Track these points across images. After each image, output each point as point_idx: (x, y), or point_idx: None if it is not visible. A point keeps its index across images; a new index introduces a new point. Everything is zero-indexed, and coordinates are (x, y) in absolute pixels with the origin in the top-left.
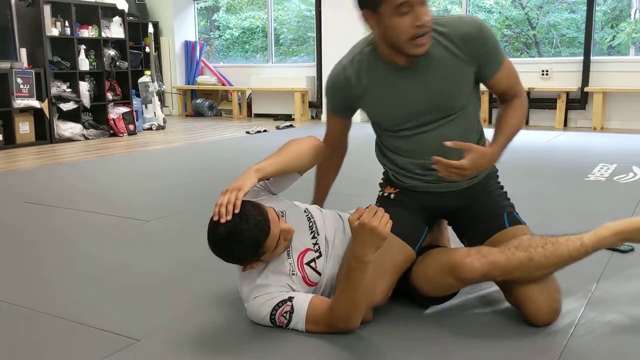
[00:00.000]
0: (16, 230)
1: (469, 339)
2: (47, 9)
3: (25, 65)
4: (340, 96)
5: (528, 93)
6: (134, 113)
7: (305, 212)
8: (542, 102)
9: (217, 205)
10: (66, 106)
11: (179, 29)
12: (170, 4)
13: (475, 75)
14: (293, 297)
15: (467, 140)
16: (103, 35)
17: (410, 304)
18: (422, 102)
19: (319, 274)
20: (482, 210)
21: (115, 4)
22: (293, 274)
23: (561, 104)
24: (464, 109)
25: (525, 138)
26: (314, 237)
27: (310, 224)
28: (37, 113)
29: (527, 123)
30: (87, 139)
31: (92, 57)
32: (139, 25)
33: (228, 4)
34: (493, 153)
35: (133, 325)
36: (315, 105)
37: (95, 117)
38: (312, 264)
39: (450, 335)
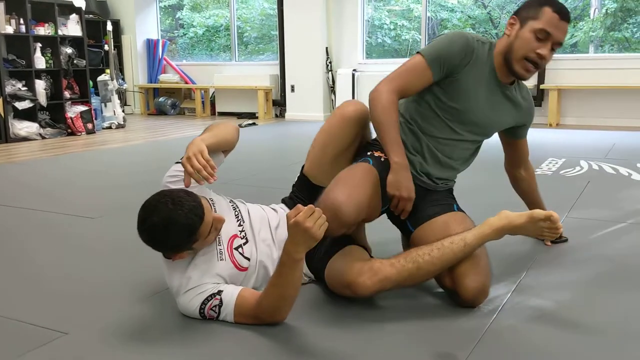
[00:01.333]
0: None
1: (396, 321)
2: (1, 6)
3: None
4: (457, 52)
5: None
6: (93, 112)
7: (230, 202)
8: None
9: (191, 173)
10: (22, 105)
11: (141, 27)
12: (132, 2)
13: (510, 129)
14: (222, 291)
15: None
16: (60, 33)
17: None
18: (487, 120)
19: (248, 259)
20: (435, 199)
21: (72, 2)
22: (222, 260)
23: None
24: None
25: None
26: (240, 225)
27: (236, 212)
28: None
29: None
30: (43, 138)
31: (49, 55)
32: (99, 24)
33: (192, 2)
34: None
35: (63, 320)
36: (279, 104)
37: (53, 115)
38: (240, 250)
39: (378, 318)
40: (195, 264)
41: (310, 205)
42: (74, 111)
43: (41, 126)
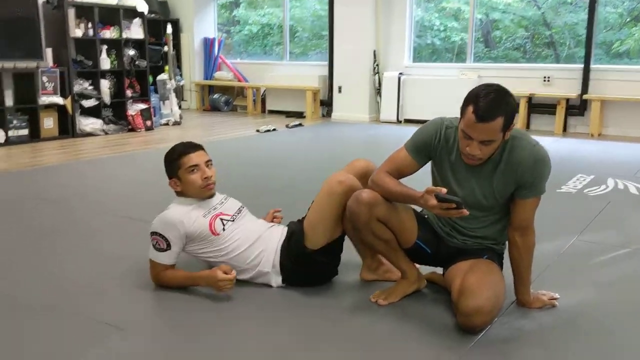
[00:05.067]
0: (31, 226)
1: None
2: (71, 12)
3: (51, 64)
4: (428, 137)
5: (530, 98)
6: (152, 109)
7: (241, 205)
8: (543, 107)
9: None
10: (88, 103)
11: (199, 25)
12: (191, 2)
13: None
14: (171, 246)
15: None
16: (124, 35)
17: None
18: (472, 195)
19: (223, 230)
20: (467, 252)
21: (135, 6)
22: (204, 217)
23: (560, 110)
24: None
25: None
26: (238, 213)
27: (240, 207)
28: (60, 109)
29: (527, 127)
30: (106, 133)
31: (113, 56)
32: (160, 22)
33: (248, 0)
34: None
35: (121, 316)
36: (326, 104)
37: (115, 113)
38: (224, 220)
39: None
40: (189, 207)
41: (233, 275)
42: (134, 109)
43: (105, 123)
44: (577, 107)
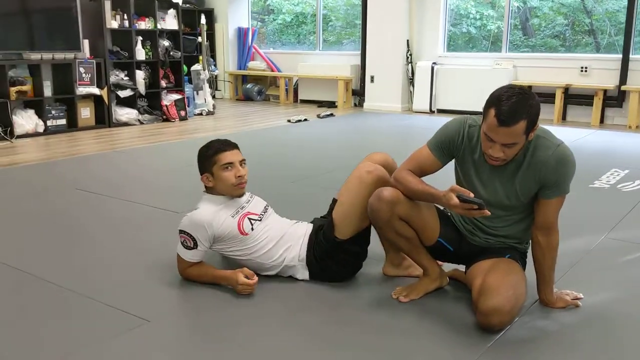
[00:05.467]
0: (66, 216)
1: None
2: (107, 3)
3: (88, 55)
4: (451, 135)
5: (566, 89)
6: (186, 99)
7: (266, 204)
8: (580, 98)
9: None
10: (123, 93)
11: (233, 15)
12: None
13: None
14: (197, 245)
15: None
16: (158, 26)
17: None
18: (494, 195)
19: (252, 229)
20: (490, 251)
21: None
22: (232, 217)
23: (598, 102)
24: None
25: (556, 135)
26: (264, 212)
27: (266, 206)
28: (97, 99)
29: (564, 118)
30: (141, 123)
31: (148, 47)
32: (195, 12)
33: None
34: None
35: (147, 307)
36: (358, 94)
37: (150, 103)
38: (252, 220)
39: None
40: (218, 206)
41: (254, 281)
42: (169, 99)
43: (140, 113)
44: (615, 98)
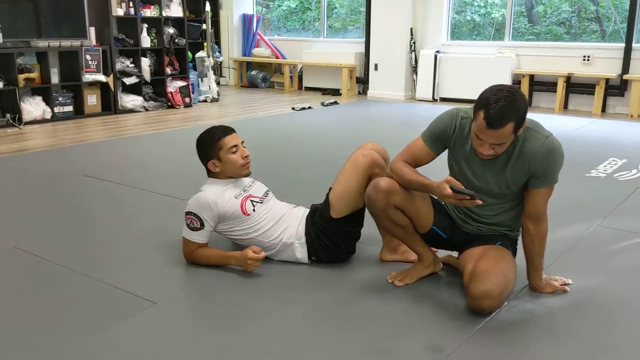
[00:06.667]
0: (76, 202)
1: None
2: None
3: (94, 43)
4: (444, 126)
5: (568, 78)
6: (190, 86)
7: (267, 189)
8: (582, 87)
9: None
10: (129, 80)
11: (238, 2)
12: None
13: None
14: (204, 225)
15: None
16: (164, 14)
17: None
18: (486, 184)
19: (253, 210)
20: (481, 238)
21: None
22: (235, 198)
23: (600, 90)
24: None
25: (557, 124)
26: (265, 196)
27: (267, 190)
28: (103, 86)
29: (565, 107)
30: (147, 110)
31: (153, 34)
32: None
33: None
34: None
35: (153, 289)
36: (362, 81)
37: (155, 90)
38: (254, 202)
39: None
40: (222, 187)
41: (262, 255)
42: (174, 86)
43: (145, 100)
44: (617, 87)
